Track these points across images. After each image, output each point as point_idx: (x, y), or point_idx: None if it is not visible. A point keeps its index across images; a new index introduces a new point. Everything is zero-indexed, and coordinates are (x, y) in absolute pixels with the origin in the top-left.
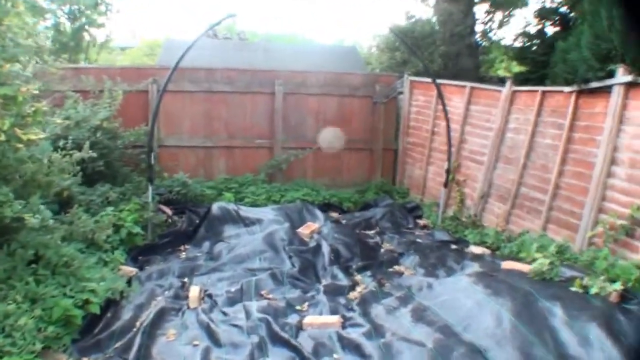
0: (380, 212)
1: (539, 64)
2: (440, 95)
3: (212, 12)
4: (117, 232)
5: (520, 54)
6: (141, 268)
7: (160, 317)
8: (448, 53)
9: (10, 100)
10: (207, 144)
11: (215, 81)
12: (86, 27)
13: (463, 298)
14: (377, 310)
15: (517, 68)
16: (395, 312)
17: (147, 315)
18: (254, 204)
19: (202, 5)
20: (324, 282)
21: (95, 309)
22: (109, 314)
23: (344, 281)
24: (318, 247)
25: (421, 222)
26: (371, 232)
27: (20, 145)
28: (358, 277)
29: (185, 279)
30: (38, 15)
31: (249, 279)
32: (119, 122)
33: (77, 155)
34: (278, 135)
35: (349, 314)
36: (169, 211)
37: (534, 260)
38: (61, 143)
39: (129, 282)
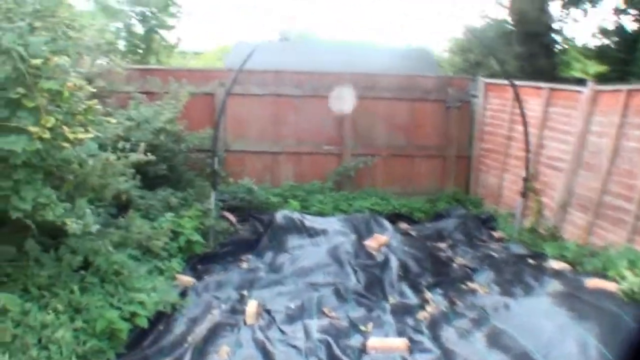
0: (453, 224)
1: (618, 62)
2: (517, 98)
3: (285, 17)
4: (176, 239)
5: (598, 53)
6: (199, 278)
7: (214, 332)
8: (523, 54)
9: (57, 96)
10: (274, 149)
11: (283, 84)
12: (156, 29)
13: (544, 321)
14: (448, 334)
15: (592, 68)
16: (469, 336)
17: (200, 330)
18: (320, 213)
19: (275, 11)
20: (391, 300)
21: (143, 323)
22: (160, 327)
23: (412, 299)
24: (386, 261)
25: (496, 234)
26: (443, 245)
27: (66, 145)
28: (428, 294)
29: (244, 292)
30: (110, 16)
31: (310, 295)
32: (184, 124)
33: (133, 157)
34: (347, 141)
35: (417, 337)
36: (232, 218)
37: (623, 278)
38: (120, 145)
39: (184, 293)
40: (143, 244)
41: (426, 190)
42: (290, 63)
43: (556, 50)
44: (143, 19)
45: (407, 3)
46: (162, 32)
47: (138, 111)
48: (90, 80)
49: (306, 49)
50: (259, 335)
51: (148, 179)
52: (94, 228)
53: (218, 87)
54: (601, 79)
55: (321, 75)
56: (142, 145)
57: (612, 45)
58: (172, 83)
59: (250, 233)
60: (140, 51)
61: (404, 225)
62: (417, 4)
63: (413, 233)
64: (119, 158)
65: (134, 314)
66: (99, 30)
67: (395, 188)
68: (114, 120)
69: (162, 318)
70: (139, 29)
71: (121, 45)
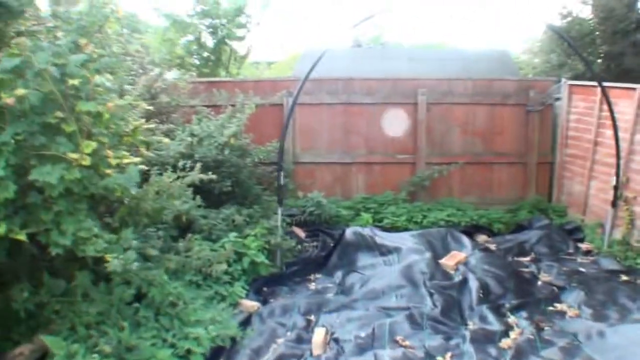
0: (536, 235)
1: None
2: (607, 100)
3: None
4: (240, 261)
5: None
6: (265, 301)
7: None
8: (610, 53)
9: (97, 118)
10: (345, 159)
11: (354, 92)
12: (226, 40)
13: None
14: None
15: None
16: None
17: None
18: (393, 226)
19: (349, 17)
20: (471, 325)
21: None
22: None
23: (494, 325)
24: (464, 281)
25: (583, 246)
26: (525, 260)
27: (109, 171)
28: (511, 318)
29: (311, 317)
30: (180, 30)
31: (382, 321)
32: (250, 137)
33: (188, 178)
34: (421, 150)
35: None
36: (301, 233)
37: None
38: (181, 163)
39: (248, 319)
40: (202, 270)
41: (506, 199)
42: (363, 70)
43: None
44: (213, 30)
45: (482, 3)
46: (232, 43)
47: (201, 126)
48: (154, 96)
49: (379, 55)
50: None
51: (213, 196)
52: (135, 265)
53: (286, 97)
54: None
55: (394, 82)
56: (198, 167)
57: None
58: (238, 95)
59: (320, 250)
60: (210, 63)
61: (482, 238)
62: (492, 3)
63: (492, 246)
64: (178, 177)
65: (189, 351)
66: (169, 44)
67: (472, 197)
68: (166, 140)
69: (222, 351)
70: (209, 41)
71: (192, 58)
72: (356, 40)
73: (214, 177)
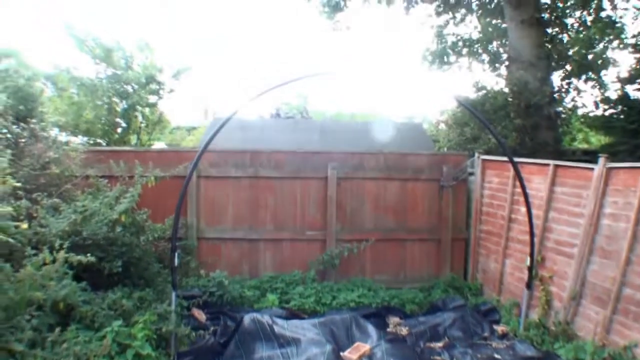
0: (450, 318)
1: (628, 133)
2: (519, 177)
3: (284, 91)
4: (123, 354)
5: (604, 123)
6: None
7: None
8: (524, 126)
9: None
10: (252, 235)
11: (262, 165)
12: (137, 106)
13: None
14: None
15: (595, 138)
16: None
17: None
18: (300, 308)
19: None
20: None
21: None
22: None
23: None
24: None
25: (499, 328)
26: (438, 346)
27: None
28: None
29: None
30: (90, 94)
31: None
32: (147, 213)
33: (57, 263)
34: (331, 226)
35: None
36: (202, 317)
37: None
38: (58, 243)
39: None
40: None
41: (420, 277)
42: (275, 141)
43: (559, 122)
44: (123, 96)
45: (402, 76)
46: (144, 109)
47: (87, 203)
48: (44, 167)
49: (292, 126)
50: None
51: (103, 277)
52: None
53: (189, 169)
54: (609, 151)
55: (304, 155)
56: (62, 253)
57: (619, 115)
58: (138, 166)
59: (220, 335)
60: (121, 129)
61: (394, 320)
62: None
63: (405, 330)
64: (54, 261)
65: None
66: (76, 108)
67: (385, 276)
68: (24, 226)
69: None
70: (119, 107)
71: (101, 123)
72: (277, 109)
73: (92, 259)
